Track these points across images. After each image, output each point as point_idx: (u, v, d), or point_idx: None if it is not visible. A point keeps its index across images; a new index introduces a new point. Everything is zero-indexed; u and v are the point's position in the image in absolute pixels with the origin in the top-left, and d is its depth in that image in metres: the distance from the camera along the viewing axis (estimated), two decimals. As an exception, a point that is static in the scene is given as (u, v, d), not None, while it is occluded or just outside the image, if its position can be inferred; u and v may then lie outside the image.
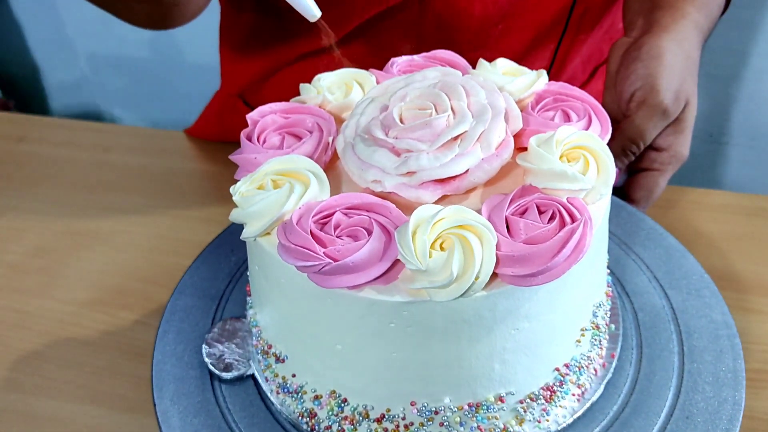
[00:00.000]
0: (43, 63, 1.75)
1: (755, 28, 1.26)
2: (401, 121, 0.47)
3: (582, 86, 0.86)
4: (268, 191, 0.44)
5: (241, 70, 0.86)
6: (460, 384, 0.45)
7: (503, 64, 0.53)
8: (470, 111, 0.46)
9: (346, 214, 0.43)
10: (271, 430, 0.51)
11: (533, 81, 0.52)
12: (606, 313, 0.53)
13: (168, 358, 0.56)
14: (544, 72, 0.53)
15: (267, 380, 0.53)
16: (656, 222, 0.66)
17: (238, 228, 0.67)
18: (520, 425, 0.47)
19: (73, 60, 1.71)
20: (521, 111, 0.49)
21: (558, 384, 0.48)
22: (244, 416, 0.52)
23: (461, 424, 0.46)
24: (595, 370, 0.52)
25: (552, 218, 0.42)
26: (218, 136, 0.89)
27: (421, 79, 0.50)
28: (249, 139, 0.50)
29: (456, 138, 0.45)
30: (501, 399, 0.46)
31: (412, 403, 0.46)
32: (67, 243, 0.76)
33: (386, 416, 0.47)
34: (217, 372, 0.54)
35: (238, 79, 0.87)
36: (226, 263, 0.64)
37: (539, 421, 0.48)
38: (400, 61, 0.56)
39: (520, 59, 0.76)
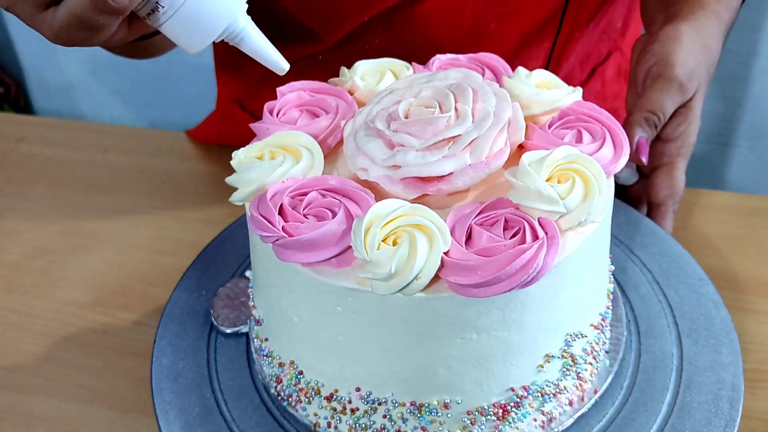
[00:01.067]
0: (42, 64, 1.75)
1: (759, 30, 1.27)
2: (405, 116, 0.47)
3: (581, 85, 0.86)
4: (263, 161, 0.47)
5: (236, 78, 0.86)
6: (402, 379, 0.45)
7: (539, 75, 0.52)
8: (472, 116, 0.46)
9: (322, 195, 0.45)
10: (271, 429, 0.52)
11: (561, 96, 0.50)
12: (591, 346, 0.50)
13: (167, 358, 0.56)
14: (579, 90, 0.51)
15: (252, 341, 0.55)
16: (654, 223, 0.66)
17: (237, 229, 0.68)
18: None
19: (72, 61, 1.71)
20: (539, 125, 0.48)
21: (513, 405, 0.46)
22: (243, 418, 0.52)
23: (404, 421, 0.46)
24: (570, 402, 0.50)
25: (515, 234, 0.41)
26: (217, 139, 0.89)
27: (442, 78, 0.50)
28: (270, 111, 0.52)
29: (449, 140, 0.45)
30: (446, 405, 0.46)
31: (357, 389, 0.46)
32: (66, 243, 0.76)
33: (334, 396, 0.48)
34: (216, 324, 0.57)
35: (234, 85, 0.87)
36: (224, 264, 0.64)
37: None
38: (443, 59, 0.56)
39: (514, 56, 0.76)
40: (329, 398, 0.48)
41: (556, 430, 0.49)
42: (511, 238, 0.41)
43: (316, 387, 0.48)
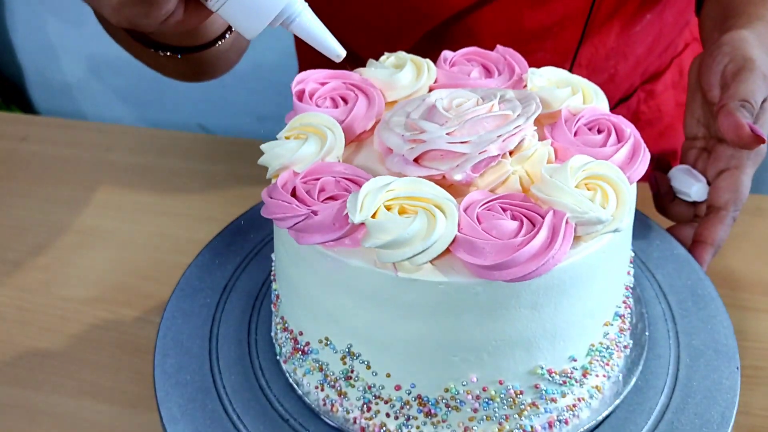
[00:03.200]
0: (44, 63, 1.75)
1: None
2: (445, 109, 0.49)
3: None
4: (289, 141, 0.48)
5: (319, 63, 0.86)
6: (423, 364, 0.46)
7: (555, 73, 0.54)
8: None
9: (336, 180, 0.46)
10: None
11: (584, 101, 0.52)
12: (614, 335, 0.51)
13: (169, 354, 0.57)
14: (602, 94, 0.53)
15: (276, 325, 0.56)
16: (654, 222, 0.66)
17: (238, 226, 0.68)
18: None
19: (75, 60, 1.71)
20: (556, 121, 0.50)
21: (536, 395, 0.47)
22: (246, 414, 0.53)
23: (424, 405, 0.47)
24: (573, 405, 0.50)
25: (530, 225, 0.42)
26: None
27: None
28: (300, 97, 0.52)
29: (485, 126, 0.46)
30: (461, 391, 0.46)
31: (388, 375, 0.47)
32: (69, 241, 0.77)
33: (374, 387, 0.48)
34: None
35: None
36: (226, 261, 0.65)
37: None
38: (454, 55, 0.57)
39: (569, 56, 0.76)
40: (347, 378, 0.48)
41: (563, 418, 0.49)
42: (524, 227, 0.42)
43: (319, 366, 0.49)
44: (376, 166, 0.49)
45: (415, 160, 0.46)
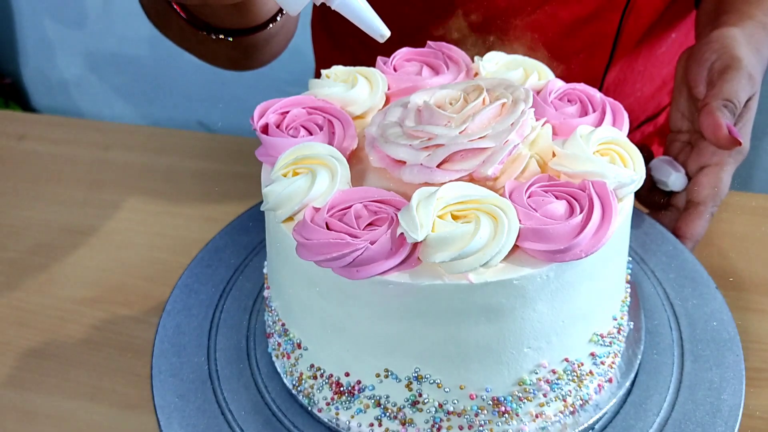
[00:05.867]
0: (43, 61, 1.75)
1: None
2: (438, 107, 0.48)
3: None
4: (297, 177, 0.45)
5: (334, 58, 0.85)
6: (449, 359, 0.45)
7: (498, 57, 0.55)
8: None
9: (365, 206, 0.43)
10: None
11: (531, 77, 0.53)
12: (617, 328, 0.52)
13: (167, 356, 0.56)
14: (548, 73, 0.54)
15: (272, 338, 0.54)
16: (656, 221, 0.66)
17: (238, 226, 0.67)
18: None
19: (73, 58, 1.71)
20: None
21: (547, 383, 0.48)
22: (243, 414, 0.52)
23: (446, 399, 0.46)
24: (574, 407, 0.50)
25: (575, 204, 0.43)
26: None
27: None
28: (264, 127, 0.50)
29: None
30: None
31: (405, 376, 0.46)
32: (67, 241, 0.76)
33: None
34: None
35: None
36: (225, 261, 0.64)
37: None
38: (404, 52, 0.57)
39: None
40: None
41: (608, 377, 0.50)
42: (574, 205, 0.43)
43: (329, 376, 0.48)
44: (383, 183, 0.47)
45: (438, 166, 0.45)
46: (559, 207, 0.42)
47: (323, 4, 0.45)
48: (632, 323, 0.54)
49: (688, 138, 0.67)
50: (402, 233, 0.41)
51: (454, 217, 0.42)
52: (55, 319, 0.68)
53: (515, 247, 0.42)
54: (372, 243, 0.41)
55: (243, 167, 0.84)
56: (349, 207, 0.43)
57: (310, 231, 0.42)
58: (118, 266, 0.73)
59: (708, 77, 0.63)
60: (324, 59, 0.90)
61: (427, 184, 0.45)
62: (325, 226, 0.42)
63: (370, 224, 0.42)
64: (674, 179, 0.65)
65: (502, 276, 0.42)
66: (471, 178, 0.45)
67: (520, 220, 0.42)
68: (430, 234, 0.41)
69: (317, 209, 0.44)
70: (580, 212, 0.42)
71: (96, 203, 0.81)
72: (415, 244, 0.42)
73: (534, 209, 0.42)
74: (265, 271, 0.56)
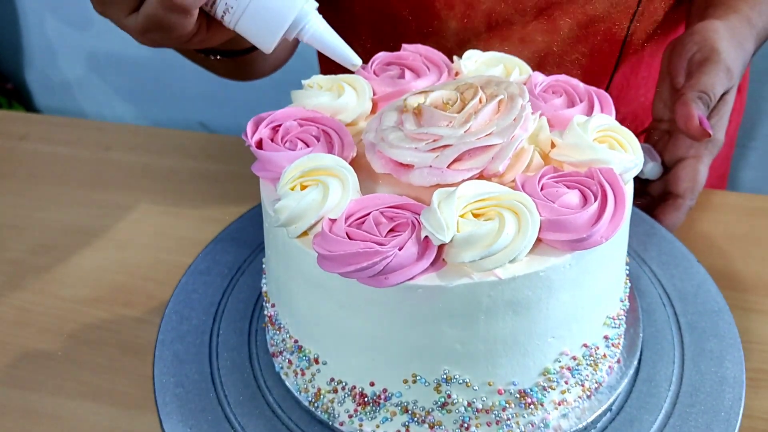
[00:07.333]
0: (44, 61, 1.75)
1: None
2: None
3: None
4: (307, 191, 0.44)
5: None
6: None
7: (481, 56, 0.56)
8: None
9: (381, 213, 0.43)
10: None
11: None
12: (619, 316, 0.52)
13: (169, 356, 0.56)
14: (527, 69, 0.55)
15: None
16: (656, 221, 0.66)
17: (239, 226, 0.68)
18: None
19: (76, 60, 1.71)
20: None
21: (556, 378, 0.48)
22: (245, 414, 0.52)
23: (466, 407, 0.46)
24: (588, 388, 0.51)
25: (586, 192, 0.44)
26: None
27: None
28: (260, 146, 0.49)
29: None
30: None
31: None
32: (69, 241, 0.76)
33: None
34: None
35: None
36: (226, 261, 0.64)
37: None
38: (382, 56, 0.56)
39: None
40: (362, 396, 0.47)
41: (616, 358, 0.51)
42: (586, 193, 0.43)
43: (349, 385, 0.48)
44: (390, 189, 0.47)
45: (448, 166, 0.45)
46: (573, 197, 0.43)
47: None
48: (628, 303, 0.55)
49: (668, 127, 0.68)
50: (426, 236, 0.41)
51: (475, 215, 0.42)
52: (56, 318, 0.68)
53: (536, 239, 0.42)
54: (400, 249, 0.41)
55: (244, 168, 0.84)
56: (367, 215, 0.43)
57: (333, 243, 0.42)
58: (119, 266, 0.73)
59: (688, 68, 0.65)
60: (328, 59, 0.90)
61: (438, 185, 0.44)
62: (346, 237, 0.42)
63: (390, 231, 0.42)
64: (650, 168, 0.67)
65: (528, 269, 0.42)
66: (480, 176, 0.45)
67: (539, 213, 0.42)
68: (456, 234, 0.41)
69: (333, 220, 0.43)
70: (595, 200, 0.43)
71: (97, 203, 0.81)
72: (441, 246, 0.42)
73: (551, 201, 0.43)
74: (264, 289, 0.55)
